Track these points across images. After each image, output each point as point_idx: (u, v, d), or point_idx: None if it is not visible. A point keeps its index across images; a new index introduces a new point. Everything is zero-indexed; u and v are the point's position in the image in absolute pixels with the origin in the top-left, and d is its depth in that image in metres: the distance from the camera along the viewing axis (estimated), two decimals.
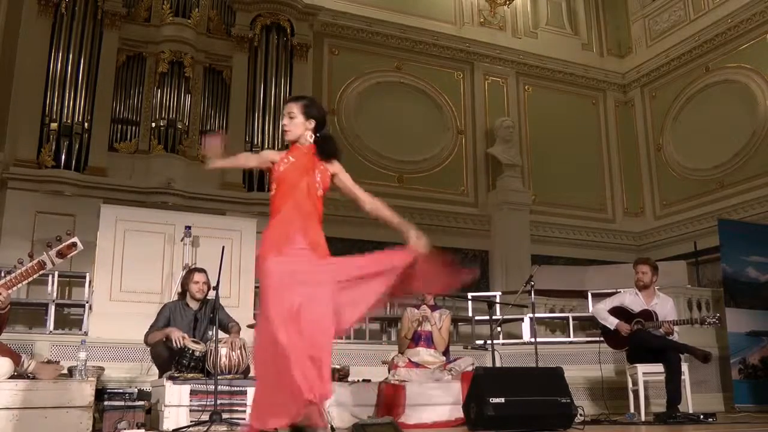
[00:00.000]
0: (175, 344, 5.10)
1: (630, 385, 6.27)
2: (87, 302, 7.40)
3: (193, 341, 5.18)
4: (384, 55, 11.40)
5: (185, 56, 9.63)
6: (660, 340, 6.04)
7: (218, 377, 4.75)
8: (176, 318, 5.46)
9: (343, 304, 3.06)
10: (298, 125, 3.29)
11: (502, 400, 4.61)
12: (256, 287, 7.70)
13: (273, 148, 9.80)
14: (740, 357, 8.23)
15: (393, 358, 5.92)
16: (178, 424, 4.70)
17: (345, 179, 3.35)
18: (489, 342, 5.87)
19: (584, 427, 4.88)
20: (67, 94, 8.84)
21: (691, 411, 5.90)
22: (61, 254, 4.15)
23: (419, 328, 5.86)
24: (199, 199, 9.26)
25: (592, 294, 8.53)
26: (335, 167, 3.34)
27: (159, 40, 9.62)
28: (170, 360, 5.20)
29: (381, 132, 10.94)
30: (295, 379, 2.83)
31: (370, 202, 3.35)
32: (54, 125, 8.74)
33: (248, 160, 3.57)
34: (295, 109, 3.32)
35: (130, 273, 7.06)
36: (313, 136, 3.30)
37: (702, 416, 5.69)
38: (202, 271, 5.66)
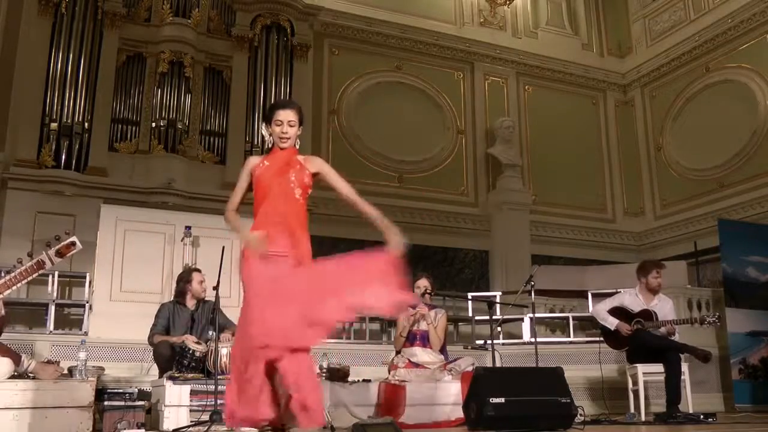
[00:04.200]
0: (189, 349, 5.12)
1: (630, 385, 6.27)
2: (87, 302, 7.40)
3: (195, 341, 5.20)
4: (384, 55, 11.40)
5: (185, 56, 9.62)
6: (660, 340, 6.05)
7: (218, 377, 4.75)
8: (174, 319, 5.48)
9: (314, 317, 3.04)
10: (295, 133, 3.40)
11: (502, 400, 4.61)
12: None
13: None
14: (740, 357, 8.23)
15: (393, 359, 5.92)
16: (178, 424, 4.70)
17: (330, 174, 3.39)
18: (489, 342, 5.87)
19: (584, 427, 4.88)
20: (67, 94, 8.84)
21: (691, 411, 5.90)
22: (60, 253, 4.14)
23: (414, 328, 5.85)
24: (199, 199, 9.26)
25: (592, 294, 8.53)
26: (316, 165, 3.40)
27: (159, 40, 9.62)
28: (172, 359, 5.21)
29: (381, 132, 10.94)
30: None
31: (350, 197, 3.36)
32: (54, 125, 8.73)
33: (241, 190, 3.48)
34: (294, 117, 3.40)
35: (130, 273, 7.08)
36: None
37: (702, 416, 5.69)
38: (200, 270, 5.72)
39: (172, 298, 5.85)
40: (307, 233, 3.28)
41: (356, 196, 3.35)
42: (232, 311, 5.80)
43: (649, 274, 6.27)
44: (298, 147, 3.44)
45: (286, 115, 3.39)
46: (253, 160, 3.45)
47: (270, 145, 3.45)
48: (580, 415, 5.06)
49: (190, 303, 5.61)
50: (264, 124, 3.48)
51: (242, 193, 3.46)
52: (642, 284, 6.33)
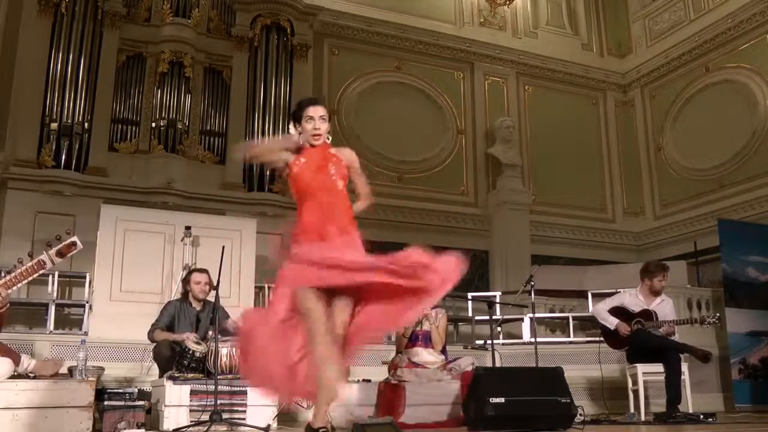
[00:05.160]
0: (189, 350, 5.12)
1: (630, 385, 6.27)
2: (87, 302, 7.40)
3: (195, 342, 5.19)
4: (384, 55, 11.39)
5: (185, 56, 9.62)
6: (660, 339, 6.05)
7: (218, 377, 4.75)
8: (180, 317, 5.49)
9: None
10: (326, 128, 3.41)
11: (502, 400, 4.61)
12: (256, 287, 7.71)
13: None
14: (740, 357, 8.23)
15: (393, 359, 5.92)
16: (178, 424, 4.70)
17: (355, 168, 3.46)
18: (489, 342, 5.87)
19: (584, 427, 4.88)
20: (67, 94, 8.84)
21: (691, 411, 5.91)
22: (60, 253, 4.15)
23: (418, 328, 5.86)
24: (199, 199, 9.27)
25: (592, 294, 8.53)
26: (346, 156, 3.44)
27: (159, 40, 9.62)
28: (171, 359, 5.21)
29: (381, 132, 10.93)
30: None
31: (365, 198, 3.48)
32: (54, 125, 8.73)
33: (274, 151, 3.50)
34: (324, 111, 3.41)
35: (130, 273, 7.07)
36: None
37: (702, 416, 5.70)
38: (203, 271, 5.69)
39: (177, 297, 5.87)
40: (355, 223, 3.32)
41: (368, 194, 3.47)
42: (232, 311, 5.82)
43: (655, 277, 6.26)
44: (329, 141, 3.44)
45: (317, 111, 3.39)
46: (289, 153, 3.44)
47: (302, 143, 3.41)
48: (580, 415, 5.07)
49: (195, 303, 5.62)
50: (292, 124, 3.46)
51: (271, 153, 3.53)
52: (645, 285, 6.32)
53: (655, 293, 6.28)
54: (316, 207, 3.25)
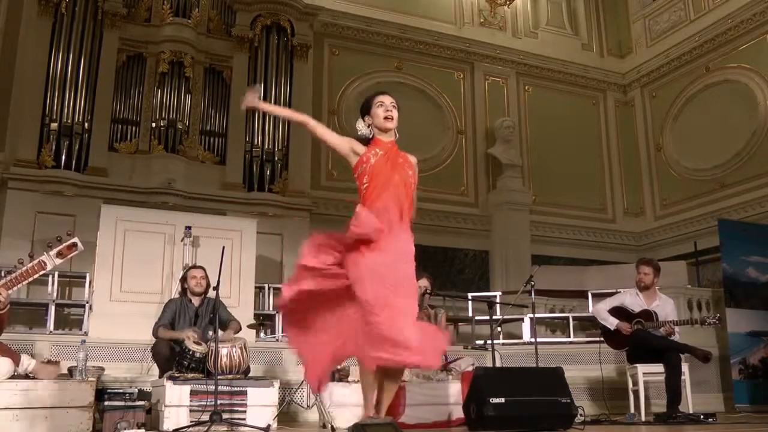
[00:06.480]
0: (189, 350, 5.14)
1: (630, 385, 6.27)
2: (87, 302, 7.40)
3: (195, 342, 5.19)
4: (384, 55, 11.40)
5: (185, 56, 9.62)
6: (660, 340, 6.04)
7: (218, 377, 4.75)
8: (180, 314, 5.52)
9: None
10: (397, 117, 3.41)
11: (502, 400, 4.61)
12: (256, 287, 7.71)
13: (273, 148, 9.78)
14: (740, 357, 8.22)
15: None
16: (178, 424, 4.70)
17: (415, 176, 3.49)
18: (489, 342, 5.87)
19: (584, 427, 4.88)
20: (67, 94, 8.84)
21: (691, 411, 5.90)
22: (61, 254, 4.15)
23: None
24: (199, 199, 9.27)
25: (592, 294, 8.52)
26: (413, 163, 3.49)
27: (159, 40, 9.62)
28: (171, 359, 5.22)
29: None
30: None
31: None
32: (54, 125, 8.74)
33: (329, 134, 3.49)
34: (394, 101, 3.45)
35: (130, 273, 7.07)
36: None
37: (702, 416, 5.69)
38: (199, 267, 5.78)
39: (177, 295, 5.89)
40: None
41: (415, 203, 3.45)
42: (232, 311, 5.82)
43: (641, 272, 6.29)
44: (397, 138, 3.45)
45: (387, 98, 3.43)
46: (358, 144, 3.42)
47: (371, 135, 3.41)
48: (580, 415, 5.07)
49: (194, 299, 5.65)
50: (361, 118, 3.47)
51: (319, 133, 3.47)
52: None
53: (641, 288, 6.28)
54: (394, 198, 3.24)
